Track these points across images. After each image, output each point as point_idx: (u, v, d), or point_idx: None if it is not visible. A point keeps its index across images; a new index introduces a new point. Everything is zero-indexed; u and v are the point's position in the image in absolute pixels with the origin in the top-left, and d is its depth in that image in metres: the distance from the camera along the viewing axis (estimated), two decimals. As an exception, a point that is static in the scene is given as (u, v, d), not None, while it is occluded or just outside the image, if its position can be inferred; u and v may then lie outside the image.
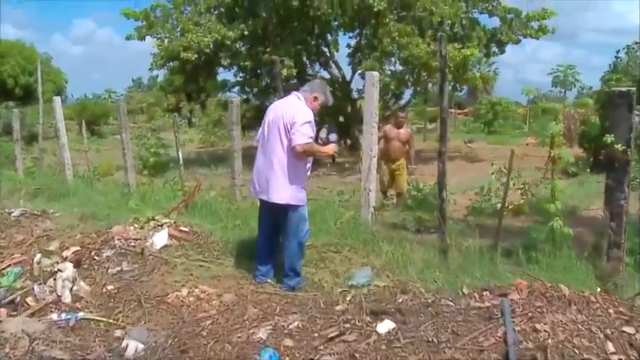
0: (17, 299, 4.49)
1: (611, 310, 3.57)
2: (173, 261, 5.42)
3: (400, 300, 4.09)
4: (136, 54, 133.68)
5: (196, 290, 4.77)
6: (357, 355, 3.37)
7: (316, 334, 3.76)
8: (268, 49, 16.66)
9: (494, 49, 18.66)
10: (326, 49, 19.10)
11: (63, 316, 4.31)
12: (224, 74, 20.19)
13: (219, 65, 17.75)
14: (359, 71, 18.56)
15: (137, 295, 4.70)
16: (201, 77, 19.37)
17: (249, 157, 8.71)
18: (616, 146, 4.58)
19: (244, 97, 19.37)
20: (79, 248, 5.50)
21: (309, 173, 5.03)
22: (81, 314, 4.36)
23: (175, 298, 4.65)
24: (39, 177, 11.92)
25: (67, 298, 4.60)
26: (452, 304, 3.85)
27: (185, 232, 6.12)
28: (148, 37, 17.25)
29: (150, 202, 8.37)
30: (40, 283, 4.70)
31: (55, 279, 4.71)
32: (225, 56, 16.84)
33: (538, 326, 3.27)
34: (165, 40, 17.13)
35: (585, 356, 3.10)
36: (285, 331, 3.89)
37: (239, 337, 3.94)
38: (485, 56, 19.02)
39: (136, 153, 14.40)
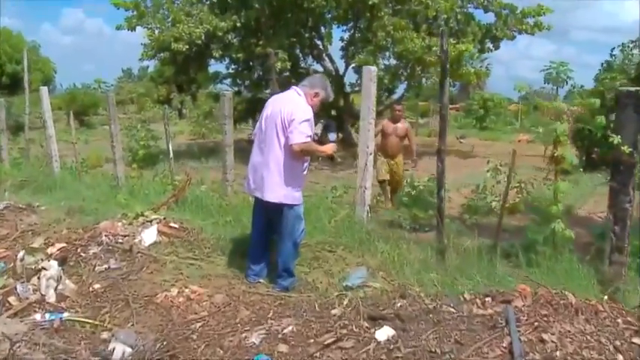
0: (-1, 298, 4.29)
1: (619, 320, 3.43)
2: (162, 259, 5.25)
3: (399, 304, 3.93)
4: (126, 45, 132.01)
5: (186, 290, 4.60)
6: (355, 364, 3.22)
7: (312, 340, 3.60)
8: (261, 42, 16.45)
9: (489, 44, 18.56)
10: (319, 42, 18.91)
11: (47, 316, 4.12)
12: (215, 66, 19.95)
13: (211, 57, 17.49)
14: (352, 65, 18.40)
15: (125, 294, 4.53)
16: (192, 69, 19.13)
17: (240, 150, 8.58)
18: (622, 148, 4.45)
19: (236, 89, 19.13)
20: (64, 245, 5.30)
21: (306, 172, 4.84)
22: (66, 315, 4.18)
23: (164, 299, 4.48)
24: (25, 168, 11.66)
25: (51, 297, 4.41)
26: (453, 310, 3.69)
27: (175, 228, 5.95)
28: (138, 28, 16.91)
29: (139, 196, 8.18)
30: (24, 282, 4.51)
31: (39, 277, 4.52)
32: (217, 48, 16.58)
33: (545, 336, 3.12)
34: (156, 31, 16.81)
35: (595, 370, 2.97)
36: (279, 336, 3.73)
37: (231, 341, 3.78)
38: (479, 52, 18.89)
39: (126, 144, 14.17)
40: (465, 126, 31.19)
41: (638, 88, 4.51)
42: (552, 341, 3.08)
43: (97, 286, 4.69)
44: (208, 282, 4.84)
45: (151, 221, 5.97)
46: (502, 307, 3.65)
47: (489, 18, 18.27)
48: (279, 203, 4.63)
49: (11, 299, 4.31)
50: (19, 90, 25.01)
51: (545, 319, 3.35)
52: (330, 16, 17.77)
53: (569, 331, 3.21)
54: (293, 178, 4.63)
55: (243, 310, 4.28)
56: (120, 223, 5.85)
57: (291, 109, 4.50)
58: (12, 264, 4.85)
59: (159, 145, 15.88)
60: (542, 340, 3.11)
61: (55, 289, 4.49)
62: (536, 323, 3.30)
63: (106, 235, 5.52)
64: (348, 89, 18.99)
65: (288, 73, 16.62)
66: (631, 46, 17.89)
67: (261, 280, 4.95)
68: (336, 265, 5.30)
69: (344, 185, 9.11)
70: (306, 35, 18.42)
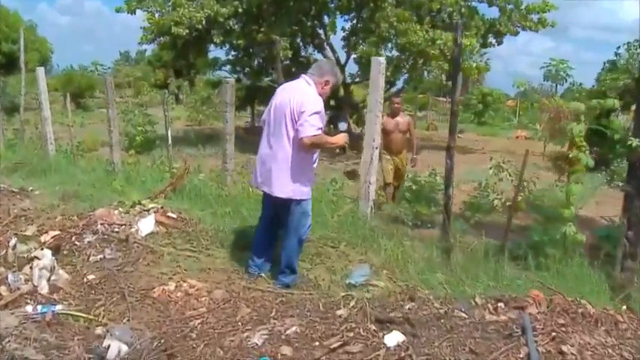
0: (-11, 288, 4.11)
1: (640, 332, 3.29)
2: (160, 250, 5.08)
3: (407, 307, 3.77)
4: (125, 27, 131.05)
5: (184, 284, 4.42)
6: (364, 371, 3.06)
7: (317, 343, 3.43)
8: (262, 29, 16.23)
9: (492, 39, 18.40)
10: (321, 31, 18.68)
11: (39, 308, 3.91)
12: (215, 52, 19.75)
13: (211, 42, 17.30)
14: (354, 56, 18.20)
15: (120, 287, 4.34)
16: (191, 54, 18.91)
17: (238, 137, 8.40)
18: (640, 150, 4.31)
19: (235, 76, 18.91)
20: (58, 232, 5.11)
21: (316, 165, 4.66)
22: (59, 307, 3.99)
23: (162, 293, 4.30)
24: (20, 150, 11.42)
25: (43, 288, 4.21)
26: (465, 315, 3.53)
27: (173, 218, 5.78)
28: (138, 11, 16.67)
29: (135, 182, 7.98)
30: (15, 271, 4.31)
31: (31, 267, 4.32)
32: (218, 33, 16.37)
33: (564, 348, 2.95)
34: (156, 14, 16.60)
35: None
36: (283, 337, 3.55)
37: (231, 340, 3.60)
38: (481, 46, 18.72)
39: (122, 129, 13.93)
40: (463, 120, 31.03)
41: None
42: (572, 353, 2.91)
43: (91, 277, 4.50)
44: (207, 276, 4.67)
45: (148, 210, 5.79)
46: (515, 313, 3.50)
47: (493, 13, 18.13)
48: (287, 198, 4.47)
49: (2, 289, 4.11)
50: (15, 70, 24.63)
51: (563, 329, 3.19)
52: (333, 5, 17.55)
53: (589, 343, 3.05)
54: (302, 172, 4.45)
55: (243, 307, 4.11)
56: (116, 212, 5.67)
57: (302, 100, 4.31)
58: (4, 251, 4.65)
59: (155, 130, 15.66)
60: (562, 352, 2.94)
61: (48, 280, 4.30)
62: (553, 333, 3.13)
63: (101, 224, 5.34)
64: (348, 80, 18.78)
65: (288, 62, 16.40)
66: (636, 45, 17.71)
67: (262, 275, 4.79)
68: (338, 262, 5.15)
69: (343, 177, 8.97)
70: (309, 24, 18.18)
